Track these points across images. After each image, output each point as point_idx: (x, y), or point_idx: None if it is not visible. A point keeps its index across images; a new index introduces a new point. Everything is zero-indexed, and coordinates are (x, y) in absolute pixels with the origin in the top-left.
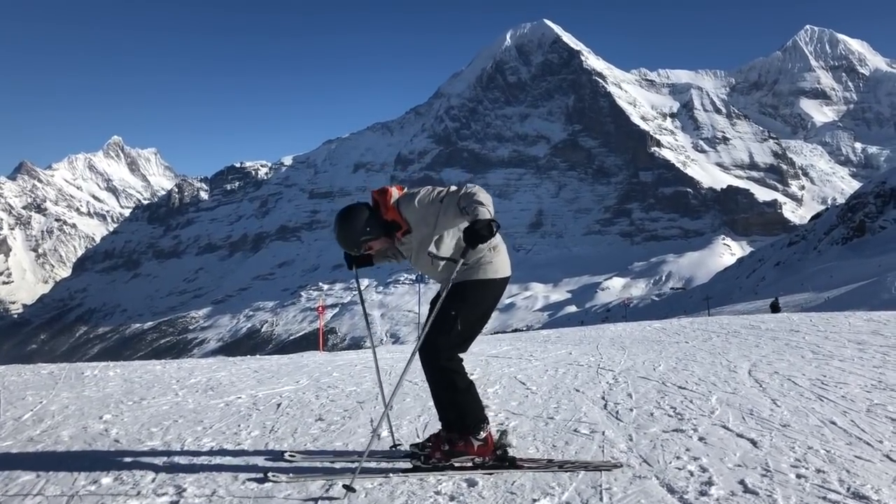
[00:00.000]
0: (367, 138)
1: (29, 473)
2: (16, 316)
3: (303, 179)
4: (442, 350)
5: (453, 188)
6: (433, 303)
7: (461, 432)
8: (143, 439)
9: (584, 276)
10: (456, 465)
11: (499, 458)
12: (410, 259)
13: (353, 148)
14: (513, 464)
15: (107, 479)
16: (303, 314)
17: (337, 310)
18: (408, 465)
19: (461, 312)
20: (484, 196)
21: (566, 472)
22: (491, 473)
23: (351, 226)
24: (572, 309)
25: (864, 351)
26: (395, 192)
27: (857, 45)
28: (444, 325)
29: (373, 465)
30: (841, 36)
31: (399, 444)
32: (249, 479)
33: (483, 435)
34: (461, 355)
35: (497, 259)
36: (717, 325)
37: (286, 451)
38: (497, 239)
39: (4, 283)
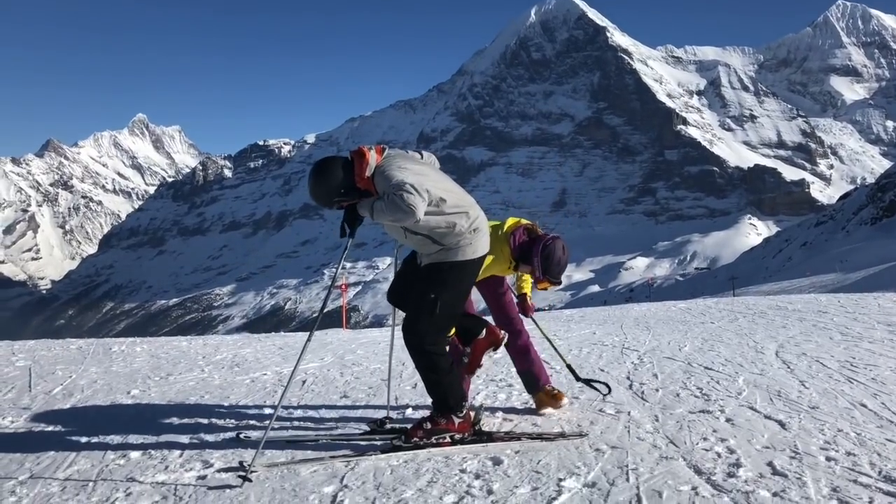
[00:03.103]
0: (390, 116)
1: (59, 447)
2: (44, 291)
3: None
4: (426, 335)
5: (397, 180)
6: (407, 261)
7: (443, 412)
8: (171, 414)
9: (607, 255)
10: (435, 441)
11: (476, 433)
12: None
13: (376, 126)
14: (490, 437)
15: (135, 454)
16: (326, 292)
17: (360, 287)
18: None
19: (441, 295)
20: (397, 205)
21: (590, 450)
22: (517, 451)
23: (326, 183)
24: (595, 289)
25: (895, 332)
26: (372, 161)
27: (890, 21)
28: (425, 309)
29: (364, 442)
30: (874, 11)
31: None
32: (276, 455)
33: (464, 412)
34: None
35: (476, 240)
36: (743, 305)
37: (241, 433)
38: (479, 220)
39: (33, 258)
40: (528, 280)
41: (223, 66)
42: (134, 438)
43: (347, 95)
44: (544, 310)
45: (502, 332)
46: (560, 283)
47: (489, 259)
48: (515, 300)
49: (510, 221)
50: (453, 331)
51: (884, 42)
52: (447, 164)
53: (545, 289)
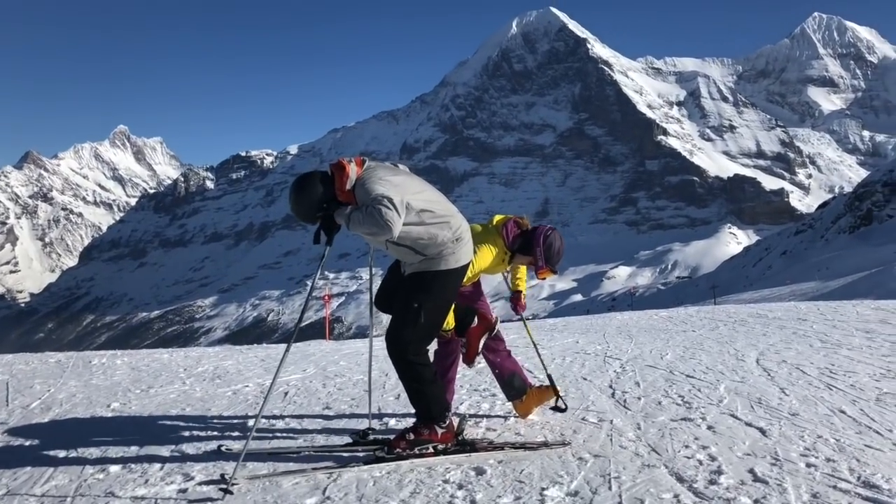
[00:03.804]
0: (373, 127)
1: (37, 462)
2: (23, 305)
3: (308, 168)
4: (409, 344)
5: (377, 194)
6: (392, 269)
7: (426, 422)
8: (151, 427)
9: (589, 264)
10: (418, 452)
11: (460, 443)
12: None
13: (359, 137)
14: (473, 447)
15: (115, 468)
16: (308, 303)
17: (343, 299)
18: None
19: (424, 304)
20: (375, 219)
21: (573, 459)
22: (500, 461)
23: (308, 199)
24: (578, 298)
25: (873, 340)
26: (353, 173)
27: (865, 33)
28: (409, 318)
29: (346, 454)
30: (849, 23)
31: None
32: (257, 467)
33: (447, 423)
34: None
35: (459, 249)
36: (724, 313)
37: (222, 445)
38: (462, 230)
39: (11, 271)
40: (523, 278)
41: (205, 77)
42: (114, 452)
43: (330, 106)
44: (528, 319)
45: (494, 315)
46: (557, 272)
47: (485, 253)
48: (492, 302)
49: (497, 217)
50: (453, 323)
51: (859, 53)
52: (430, 175)
53: (545, 278)
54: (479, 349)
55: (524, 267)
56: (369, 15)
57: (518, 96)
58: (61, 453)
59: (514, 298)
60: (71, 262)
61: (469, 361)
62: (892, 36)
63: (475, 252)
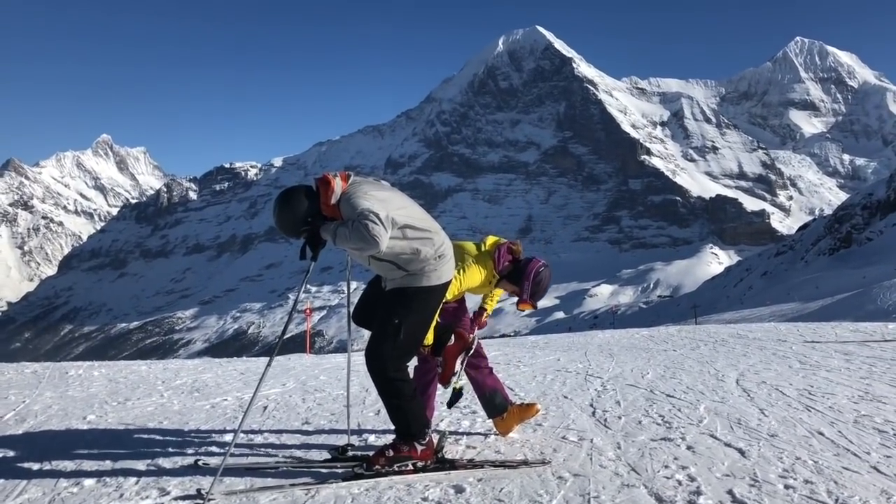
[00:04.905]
0: (358, 141)
1: (10, 474)
2: (0, 313)
3: (292, 181)
4: (389, 360)
5: (363, 209)
6: (372, 283)
7: (406, 438)
8: (128, 441)
9: (572, 282)
10: (397, 469)
11: (439, 460)
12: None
13: (344, 150)
14: (453, 465)
15: (90, 481)
16: (292, 317)
17: (324, 312)
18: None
19: (405, 320)
20: (362, 233)
21: (552, 478)
22: (480, 479)
23: (292, 213)
24: (560, 315)
25: (851, 361)
26: (338, 188)
27: (846, 58)
28: (389, 334)
29: (325, 470)
30: (831, 48)
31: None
32: (234, 482)
33: (426, 440)
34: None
35: (441, 266)
36: (705, 333)
37: (199, 459)
38: (444, 247)
39: None
40: (495, 301)
41: (190, 88)
42: (89, 465)
43: (316, 120)
44: (510, 335)
45: (471, 334)
46: (537, 307)
47: (474, 273)
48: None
49: (491, 239)
50: (432, 339)
51: (840, 78)
52: (415, 190)
53: (524, 310)
54: (456, 369)
55: (501, 290)
56: (356, 29)
57: (503, 113)
58: (35, 466)
59: (478, 314)
60: (50, 271)
61: (444, 381)
62: (872, 61)
63: (465, 270)
